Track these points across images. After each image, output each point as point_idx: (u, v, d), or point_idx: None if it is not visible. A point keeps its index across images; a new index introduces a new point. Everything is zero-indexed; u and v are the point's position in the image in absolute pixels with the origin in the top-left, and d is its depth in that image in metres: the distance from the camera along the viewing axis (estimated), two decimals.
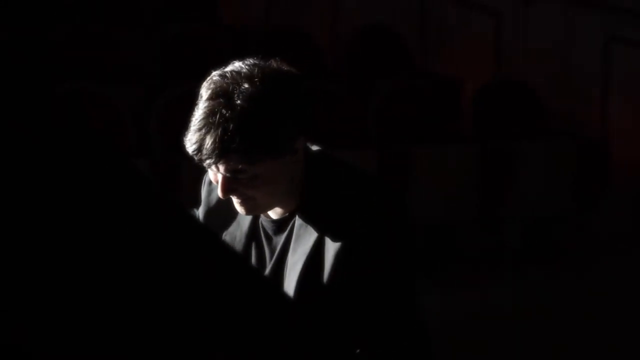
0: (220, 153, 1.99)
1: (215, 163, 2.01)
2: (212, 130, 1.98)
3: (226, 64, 2.07)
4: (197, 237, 1.19)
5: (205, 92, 2.03)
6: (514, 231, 6.48)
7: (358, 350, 2.05)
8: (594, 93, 7.16)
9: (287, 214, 2.13)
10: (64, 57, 6.62)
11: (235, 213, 2.19)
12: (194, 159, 2.05)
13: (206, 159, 2.01)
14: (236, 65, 2.05)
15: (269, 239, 2.16)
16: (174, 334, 1.09)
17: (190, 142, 2.02)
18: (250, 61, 2.05)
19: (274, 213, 2.15)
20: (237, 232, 2.20)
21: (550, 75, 7.31)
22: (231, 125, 1.98)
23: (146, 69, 6.91)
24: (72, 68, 6.54)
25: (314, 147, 2.15)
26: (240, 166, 2.02)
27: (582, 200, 6.56)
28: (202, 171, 2.24)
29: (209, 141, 1.98)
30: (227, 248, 1.98)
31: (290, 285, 2.08)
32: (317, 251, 2.06)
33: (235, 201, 2.09)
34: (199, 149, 2.00)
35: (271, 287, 1.46)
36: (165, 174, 5.55)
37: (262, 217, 2.17)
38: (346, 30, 7.89)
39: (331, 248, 2.05)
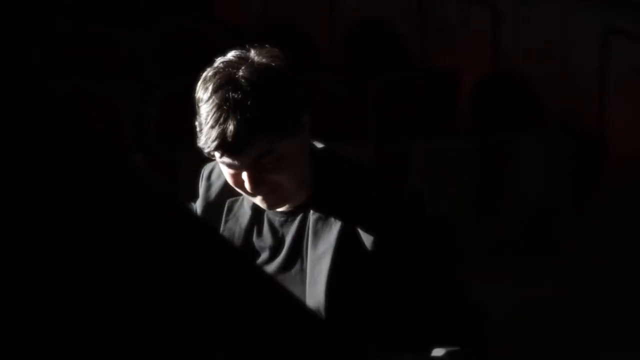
0: (247, 135, 1.95)
1: (243, 150, 1.96)
2: (231, 116, 1.94)
3: (210, 63, 2.05)
4: (198, 234, 1.19)
5: (204, 91, 1.99)
6: (511, 226, 6.49)
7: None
8: (592, 89, 7.17)
9: (295, 207, 2.12)
10: (62, 55, 6.62)
11: (233, 209, 2.17)
12: (213, 157, 2.01)
13: (232, 147, 1.95)
14: (221, 59, 2.04)
15: (275, 232, 2.14)
16: (174, 334, 1.09)
17: (210, 139, 1.96)
18: (232, 52, 2.04)
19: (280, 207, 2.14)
20: (235, 228, 2.17)
21: (548, 71, 7.31)
22: (248, 102, 1.95)
23: (144, 66, 6.91)
24: (69, 66, 6.54)
25: (318, 144, 2.15)
26: (265, 146, 1.97)
27: (580, 196, 6.57)
28: (200, 165, 2.22)
29: (231, 128, 1.94)
30: (228, 245, 1.97)
31: (318, 280, 2.07)
32: (343, 245, 2.05)
33: (258, 198, 2.06)
34: (224, 141, 1.95)
35: (274, 285, 1.45)
36: (163, 170, 5.55)
37: (268, 212, 2.15)
38: (344, 26, 7.89)
39: (365, 241, 2.04)
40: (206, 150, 1.99)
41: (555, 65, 7.34)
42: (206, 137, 1.96)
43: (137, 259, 1.10)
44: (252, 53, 2.03)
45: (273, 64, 2.02)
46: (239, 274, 1.19)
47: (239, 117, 1.94)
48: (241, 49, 2.04)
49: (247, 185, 2.02)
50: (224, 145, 1.96)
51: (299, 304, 1.54)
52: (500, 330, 5.09)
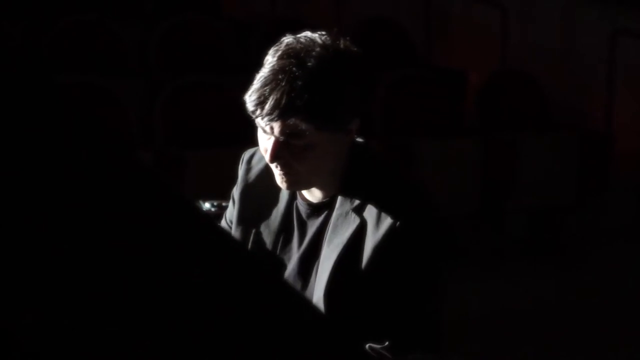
0: (284, 109, 1.99)
1: (276, 120, 2.01)
2: (279, 86, 1.99)
3: (298, 32, 2.09)
4: (205, 233, 1.18)
5: (274, 53, 2.04)
6: (517, 223, 6.49)
7: (370, 345, 2.07)
8: (599, 86, 7.16)
9: (325, 200, 2.15)
10: (68, 50, 6.62)
11: (274, 193, 2.20)
12: (251, 116, 2.05)
13: (267, 114, 2.00)
14: (309, 33, 2.07)
15: (302, 223, 2.18)
16: (176, 335, 1.09)
17: (252, 96, 2.02)
18: (323, 33, 2.08)
19: (312, 196, 2.17)
20: (273, 211, 2.21)
21: (555, 69, 7.31)
22: (299, 83, 1.99)
23: (149, 61, 6.92)
24: (76, 63, 6.54)
25: (358, 142, 2.18)
26: (299, 128, 2.01)
27: (586, 194, 6.57)
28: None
29: (274, 96, 1.99)
30: (234, 243, 1.97)
31: (323, 274, 2.10)
32: (354, 243, 2.08)
33: (278, 173, 2.09)
34: (262, 104, 2.00)
35: (280, 284, 1.45)
36: (170, 166, 5.56)
37: (299, 199, 2.18)
38: (350, 24, 7.89)
39: (370, 241, 2.07)
40: (246, 105, 2.04)
41: (562, 63, 7.34)
42: (250, 94, 2.02)
43: (144, 257, 1.09)
44: (337, 43, 2.06)
45: (346, 60, 2.05)
46: (244, 272, 1.19)
47: (286, 90, 1.99)
48: (329, 33, 2.08)
49: (268, 152, 2.06)
50: (259, 109, 2.01)
51: (302, 302, 1.54)
52: (505, 327, 5.10)
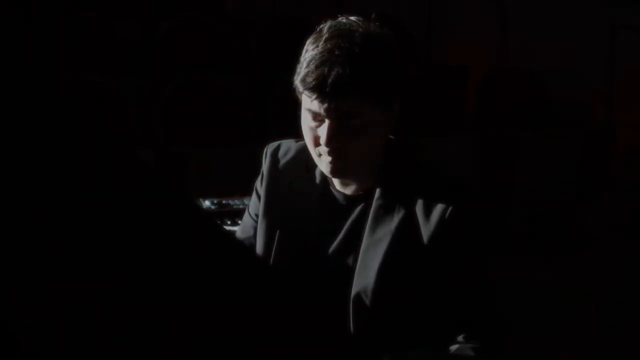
0: (347, 83, 1.99)
1: (339, 95, 2.00)
2: (338, 63, 2.00)
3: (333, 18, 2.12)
4: (208, 233, 1.18)
5: (317, 38, 2.05)
6: (518, 222, 6.48)
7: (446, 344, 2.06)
8: (600, 82, 7.15)
9: (360, 192, 2.14)
10: (68, 48, 6.61)
11: (303, 185, 2.19)
12: (307, 98, 2.03)
13: (330, 90, 2.00)
14: (341, 17, 2.12)
15: (335, 216, 2.16)
16: (176, 335, 1.09)
17: (309, 77, 2.01)
18: (358, 17, 2.12)
19: (347, 189, 2.16)
20: (303, 204, 2.19)
21: (556, 66, 7.30)
22: (356, 60, 2.00)
23: (151, 60, 6.91)
24: (77, 61, 6.53)
25: (391, 137, 2.18)
26: (357, 104, 2.01)
27: (587, 191, 6.56)
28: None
29: (335, 72, 1.99)
30: (239, 243, 1.97)
31: (369, 266, 2.07)
32: (401, 235, 2.07)
33: (327, 160, 2.08)
34: (322, 83, 1.99)
35: (284, 281, 1.45)
36: (171, 165, 5.56)
37: (333, 192, 2.17)
38: None
39: (421, 232, 2.05)
40: (302, 89, 2.03)
41: (562, 60, 7.33)
42: (306, 76, 2.02)
43: (145, 256, 1.09)
44: (368, 21, 2.10)
45: (388, 38, 2.09)
46: (246, 271, 1.19)
47: (346, 66, 1.99)
48: (363, 17, 2.12)
49: (322, 138, 2.04)
50: (321, 88, 2.00)
51: (310, 304, 1.54)
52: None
